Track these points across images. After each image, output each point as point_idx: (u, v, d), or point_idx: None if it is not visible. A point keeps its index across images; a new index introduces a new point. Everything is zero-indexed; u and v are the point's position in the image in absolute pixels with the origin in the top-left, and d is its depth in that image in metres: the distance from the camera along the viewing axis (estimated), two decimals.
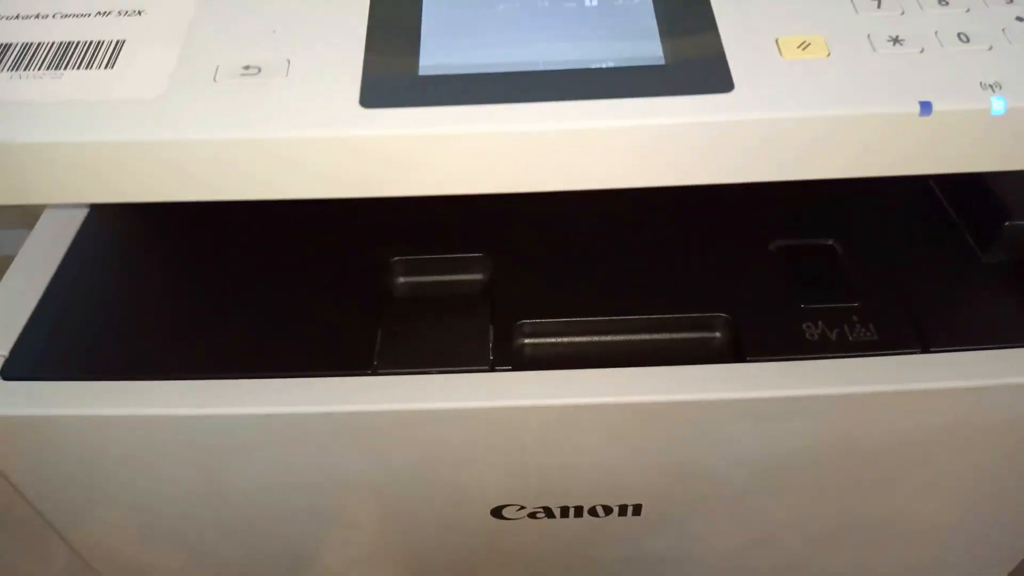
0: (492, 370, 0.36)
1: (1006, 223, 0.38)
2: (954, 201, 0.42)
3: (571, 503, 0.40)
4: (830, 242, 0.40)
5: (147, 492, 0.38)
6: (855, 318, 0.37)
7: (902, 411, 0.35)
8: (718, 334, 0.37)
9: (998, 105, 0.27)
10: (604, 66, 0.29)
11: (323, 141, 0.27)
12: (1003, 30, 0.29)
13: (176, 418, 0.35)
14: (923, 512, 0.41)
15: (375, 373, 0.36)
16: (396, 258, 0.40)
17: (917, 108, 0.27)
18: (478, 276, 0.40)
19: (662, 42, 0.29)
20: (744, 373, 0.35)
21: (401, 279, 0.41)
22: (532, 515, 0.41)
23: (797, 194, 0.43)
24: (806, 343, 0.36)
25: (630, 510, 0.40)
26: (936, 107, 0.27)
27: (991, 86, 0.27)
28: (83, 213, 0.44)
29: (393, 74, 0.29)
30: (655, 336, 0.38)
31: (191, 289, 0.40)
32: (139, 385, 0.35)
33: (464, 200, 0.43)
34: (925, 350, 0.35)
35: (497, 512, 0.40)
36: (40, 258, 0.41)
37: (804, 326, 0.37)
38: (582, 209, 0.43)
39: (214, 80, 0.29)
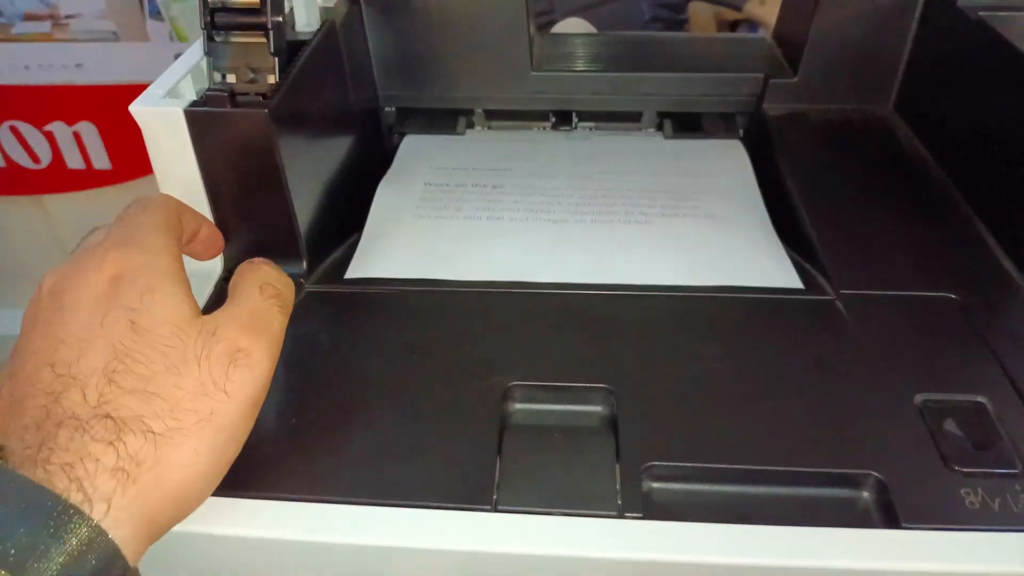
0: (621, 516, 0.33)
1: None
2: None
3: None
4: (980, 399, 0.38)
5: None
6: (1018, 487, 0.34)
7: None
8: (865, 494, 0.34)
9: None
10: None
11: None
12: None
13: (282, 542, 0.32)
14: None
15: (495, 509, 0.33)
16: (513, 383, 0.38)
17: None
18: (598, 408, 0.38)
19: None
20: (903, 541, 0.32)
21: (518, 405, 0.39)
22: None
23: (942, 345, 0.41)
24: (967, 512, 0.33)
25: None
26: None
27: None
28: None
29: None
30: (795, 490, 0.35)
31: (307, 411, 0.38)
32: (247, 503, 0.33)
33: (588, 333, 0.42)
34: None
35: None
36: None
37: (963, 492, 0.34)
38: (710, 348, 0.41)
39: None
